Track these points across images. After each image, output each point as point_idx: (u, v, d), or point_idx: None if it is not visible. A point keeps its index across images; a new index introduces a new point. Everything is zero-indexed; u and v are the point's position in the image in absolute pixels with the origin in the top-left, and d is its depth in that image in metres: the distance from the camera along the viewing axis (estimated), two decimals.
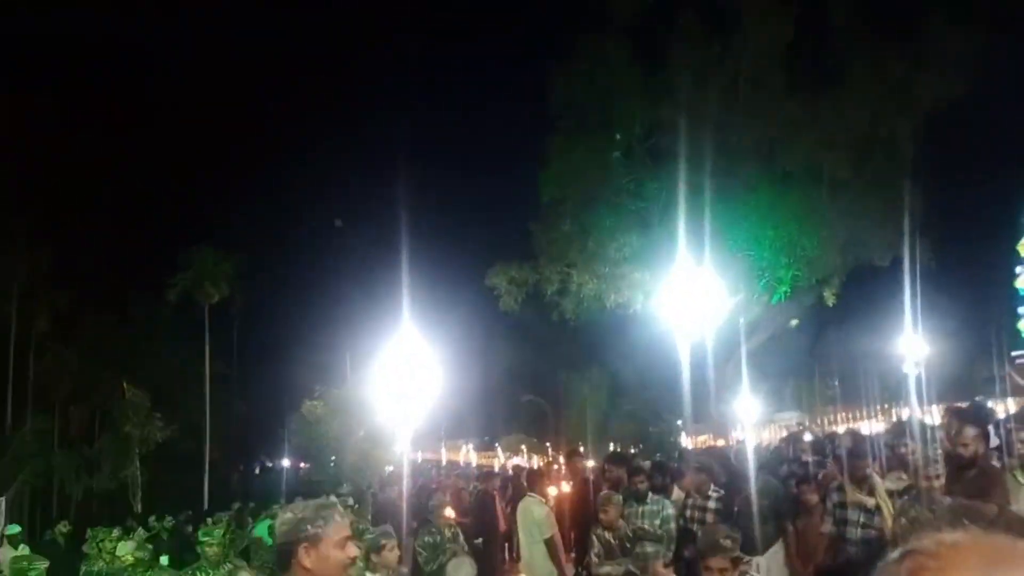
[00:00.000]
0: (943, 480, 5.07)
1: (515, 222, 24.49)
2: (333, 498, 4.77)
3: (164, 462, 32.05)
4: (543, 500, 9.05)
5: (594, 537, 6.55)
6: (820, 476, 6.83)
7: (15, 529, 13.84)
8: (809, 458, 7.59)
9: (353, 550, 2.39)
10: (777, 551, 6.56)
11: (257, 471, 44.36)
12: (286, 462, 37.78)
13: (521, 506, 9.12)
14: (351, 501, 12.56)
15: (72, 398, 34.77)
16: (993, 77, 20.15)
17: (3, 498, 17.46)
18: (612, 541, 6.47)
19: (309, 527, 2.33)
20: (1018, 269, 46.27)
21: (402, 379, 8.69)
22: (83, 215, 37.30)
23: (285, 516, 2.46)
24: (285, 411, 37.18)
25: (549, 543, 8.53)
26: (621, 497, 6.83)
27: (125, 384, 29.94)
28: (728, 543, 3.96)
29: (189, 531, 11.50)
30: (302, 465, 37.34)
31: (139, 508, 26.73)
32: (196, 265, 35.86)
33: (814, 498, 6.30)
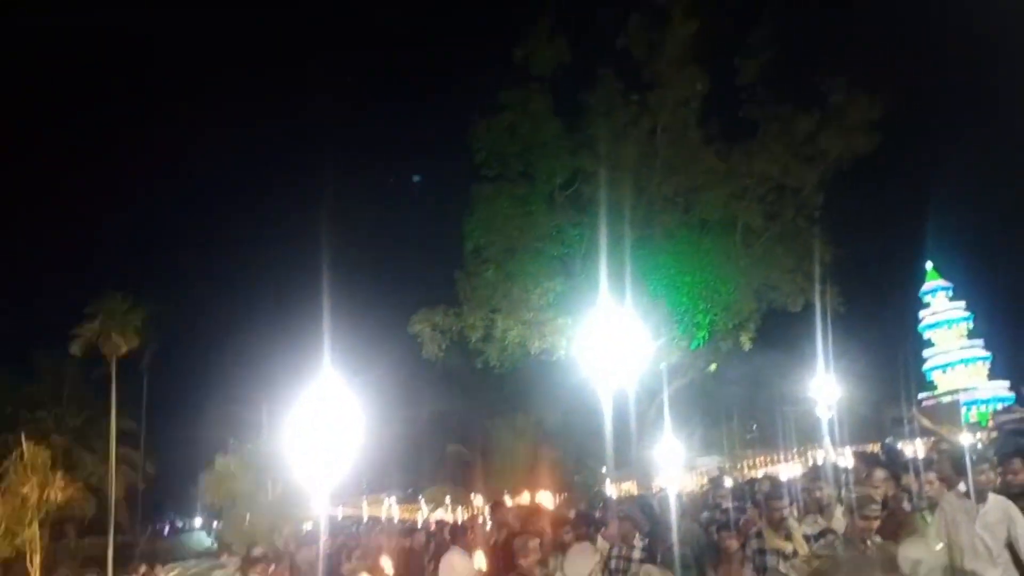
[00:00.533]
0: (878, 522, 5.14)
1: (438, 269, 24.42)
2: (226, 558, 4.53)
3: (65, 525, 30.18)
4: (467, 554, 8.83)
5: None
6: (740, 522, 6.84)
7: None
8: (729, 504, 7.61)
9: None
10: None
11: (166, 531, 42.18)
12: (198, 521, 36.12)
13: (444, 560, 8.87)
14: (268, 563, 11.97)
15: None
16: (895, 134, 21.36)
17: None
18: None
19: None
20: (922, 314, 48.63)
21: (321, 431, 8.40)
22: None
23: None
24: (197, 467, 35.70)
25: None
26: (539, 541, 6.68)
27: (23, 442, 28.15)
28: None
29: None
30: (215, 524, 35.76)
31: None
32: (104, 314, 34.33)
33: (734, 544, 6.29)
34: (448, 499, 31.80)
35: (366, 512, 36.34)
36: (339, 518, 27.01)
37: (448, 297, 21.67)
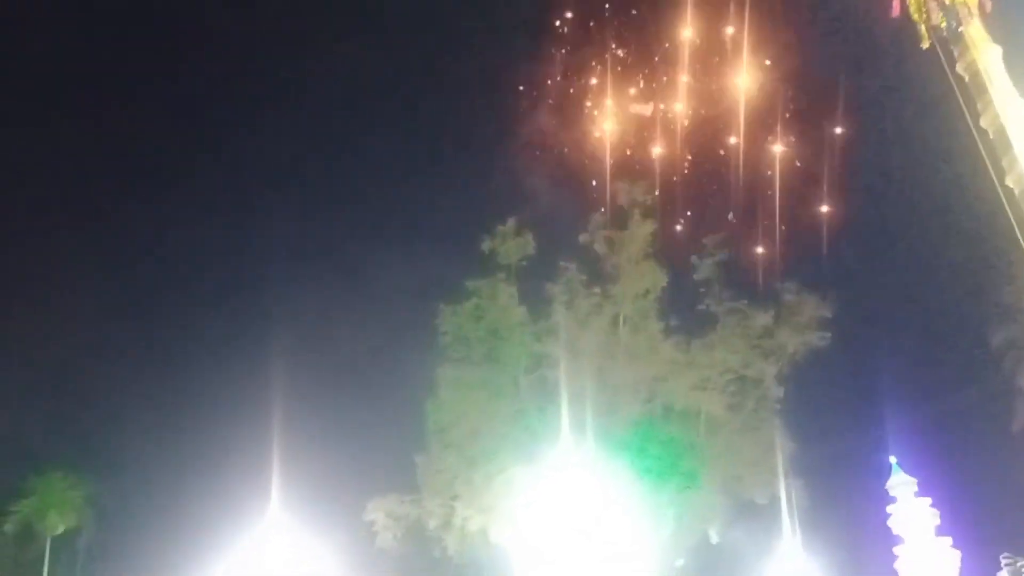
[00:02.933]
0: None
1: (397, 453, 23.79)
2: None
3: None
4: None
5: None
6: None
7: None
8: None
9: None
10: None
11: None
12: None
13: None
14: None
15: None
16: (850, 330, 22.21)
17: None
18: None
19: None
20: (888, 509, 47.97)
21: None
22: None
23: None
24: None
25: None
26: None
27: None
28: None
29: None
30: None
31: None
32: (42, 491, 32.64)
33: None
34: None
35: None
36: None
37: (405, 483, 21.09)
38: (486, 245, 20.78)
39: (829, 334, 20.21)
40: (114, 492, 36.26)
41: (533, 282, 21.14)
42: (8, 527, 32.59)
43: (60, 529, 33.26)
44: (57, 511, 32.75)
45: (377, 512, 20.51)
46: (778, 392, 20.33)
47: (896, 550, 46.82)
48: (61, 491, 33.07)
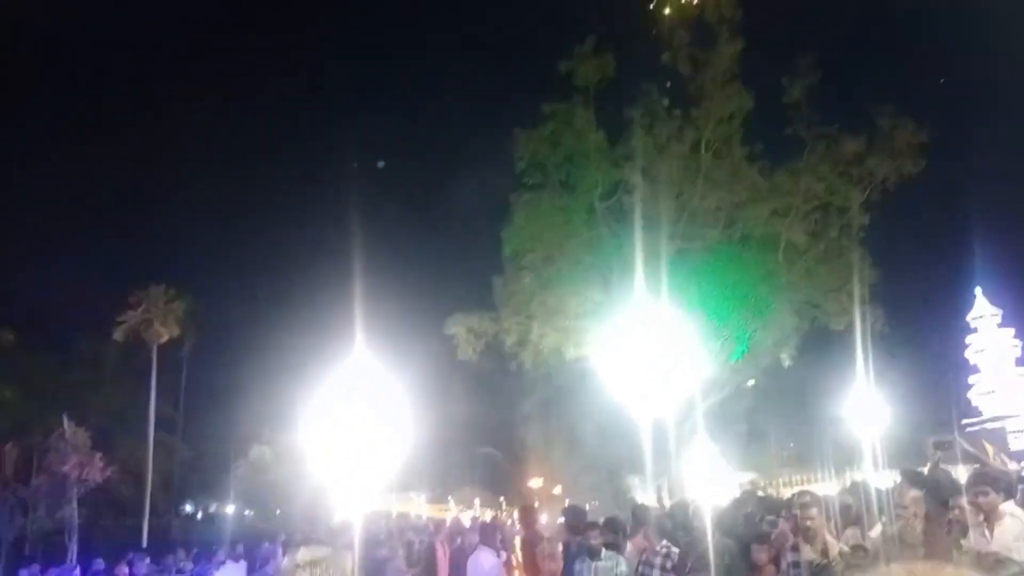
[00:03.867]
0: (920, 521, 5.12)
1: (476, 273, 24.56)
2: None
3: (102, 504, 30.87)
4: (495, 553, 8.93)
5: None
6: (773, 535, 6.81)
7: None
8: (762, 517, 7.58)
9: None
10: None
11: (199, 516, 42.90)
12: (230, 508, 36.69)
13: (472, 559, 8.97)
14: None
15: (8, 436, 33.46)
16: (943, 156, 21.14)
17: None
18: None
19: None
20: (969, 340, 47.60)
21: (355, 426, 8.58)
22: (30, 250, 36.54)
23: None
24: (231, 456, 36.31)
25: None
26: (563, 546, 6.77)
27: (65, 422, 28.90)
28: None
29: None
30: (246, 512, 36.29)
31: (75, 551, 25.63)
32: (147, 304, 35.16)
33: (764, 557, 6.27)
34: (477, 501, 31.87)
35: (394, 509, 36.54)
36: (368, 513, 27.17)
37: (484, 301, 21.86)
38: (563, 67, 20.00)
39: (924, 161, 19.20)
40: (212, 307, 38.83)
41: (612, 106, 20.47)
42: (118, 335, 35.41)
43: (164, 338, 36.03)
44: (161, 322, 35.36)
45: (457, 327, 21.51)
46: (863, 220, 19.72)
47: (972, 379, 46.81)
48: (164, 304, 35.50)
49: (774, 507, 8.27)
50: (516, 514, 14.65)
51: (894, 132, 18.80)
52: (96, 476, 29.03)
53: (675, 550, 7.09)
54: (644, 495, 18.76)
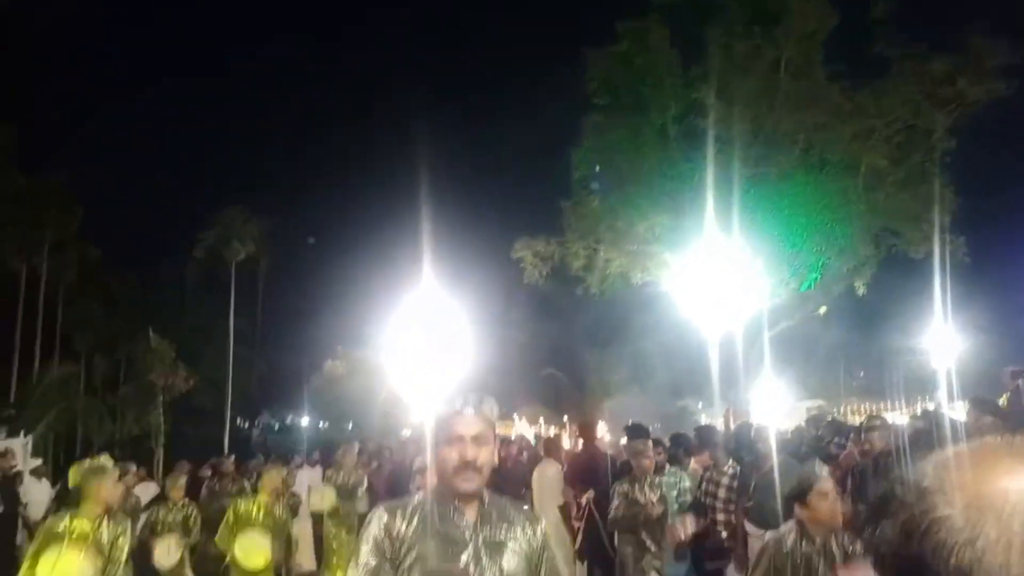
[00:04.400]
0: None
1: (543, 196, 24.48)
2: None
3: (185, 413, 32.61)
4: (559, 465, 9.21)
5: (615, 492, 6.65)
6: (840, 458, 6.85)
7: (38, 463, 14.32)
8: (831, 440, 7.61)
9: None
10: (790, 528, 6.61)
11: (277, 427, 45.03)
12: (305, 420, 38.38)
13: (537, 470, 9.28)
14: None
15: (97, 348, 35.42)
16: None
17: (28, 437, 17.84)
18: (637, 495, 6.56)
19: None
20: None
21: (423, 343, 8.82)
22: (117, 174, 37.89)
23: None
24: (305, 370, 37.76)
25: (561, 507, 8.70)
26: (651, 443, 6.94)
27: (151, 333, 30.44)
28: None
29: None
30: (321, 423, 37.87)
31: (161, 455, 27.32)
32: (224, 224, 36.33)
33: (830, 480, 6.31)
34: (542, 419, 32.53)
35: None
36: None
37: (552, 225, 21.79)
38: None
39: (1017, 82, 18.03)
40: (287, 229, 39.89)
41: (688, 24, 19.72)
42: (198, 253, 36.81)
43: (242, 256, 37.30)
44: (239, 240, 36.56)
45: (524, 251, 21.58)
46: (949, 144, 18.78)
47: None
48: (241, 223, 36.64)
49: (842, 430, 8.27)
50: (577, 430, 14.98)
51: (985, 52, 17.66)
52: (180, 385, 30.67)
53: (738, 468, 7.20)
54: (708, 418, 18.87)
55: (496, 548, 2.42)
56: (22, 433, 19.12)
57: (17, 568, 4.92)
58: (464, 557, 2.38)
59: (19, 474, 12.28)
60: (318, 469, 12.85)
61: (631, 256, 20.64)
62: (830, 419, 10.09)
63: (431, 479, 2.67)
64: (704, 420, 18.58)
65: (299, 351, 39.00)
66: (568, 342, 33.45)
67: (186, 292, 37.88)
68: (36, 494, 11.70)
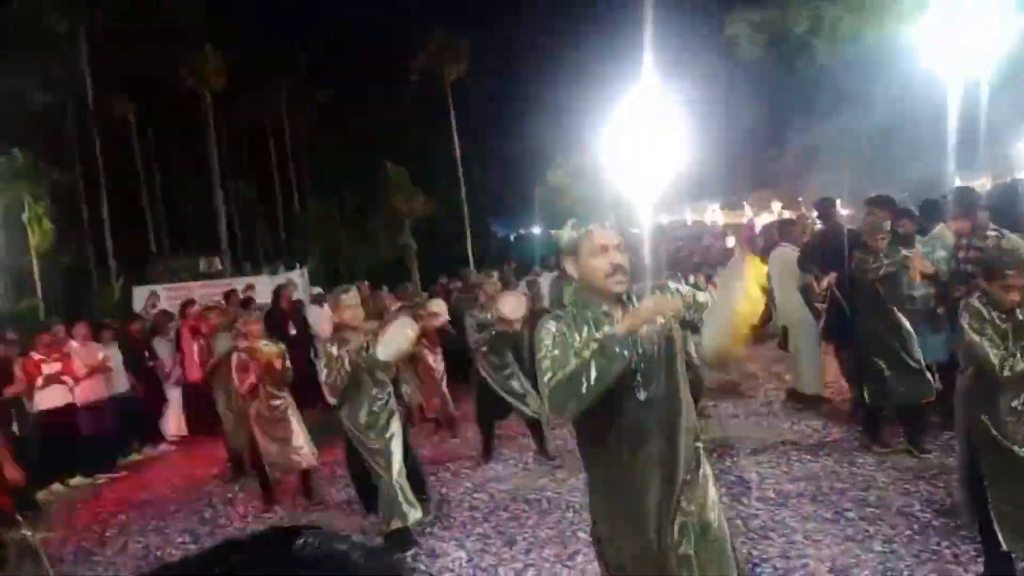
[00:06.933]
0: None
1: None
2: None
3: (428, 235, 35.13)
4: (795, 249, 9.09)
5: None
6: None
7: (317, 290, 16.38)
8: None
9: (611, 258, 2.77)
10: None
11: (512, 238, 47.36)
12: (536, 229, 40.05)
13: (774, 255, 9.23)
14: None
15: (342, 182, 38.60)
16: None
17: (304, 268, 19.92)
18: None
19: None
20: None
21: (641, 139, 8.78)
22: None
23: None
24: (528, 183, 38.86)
25: (802, 289, 8.69)
26: (890, 223, 6.72)
27: (388, 163, 32.61)
28: None
29: None
30: (552, 232, 39.29)
31: (417, 274, 29.98)
32: (435, 47, 37.01)
33: None
34: (775, 204, 31.35)
35: (689, 218, 37.40)
36: (664, 224, 28.27)
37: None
38: None
39: None
40: (493, 47, 39.79)
41: None
42: (413, 77, 37.99)
43: (454, 76, 38.14)
44: (449, 62, 37.38)
45: (739, 24, 20.11)
46: None
47: None
48: (451, 46, 37.30)
49: None
50: (814, 210, 14.40)
51: None
52: (420, 209, 33.04)
53: (1002, 233, 6.75)
54: (957, 181, 17.15)
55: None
56: (298, 265, 21.51)
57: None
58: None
59: (300, 301, 14.18)
60: (556, 273, 13.69)
61: (861, 10, 18.54)
62: None
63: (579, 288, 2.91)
64: (955, 183, 16.89)
65: (521, 163, 40.09)
66: (791, 121, 31.21)
67: (405, 120, 39.59)
68: (318, 318, 12.98)
